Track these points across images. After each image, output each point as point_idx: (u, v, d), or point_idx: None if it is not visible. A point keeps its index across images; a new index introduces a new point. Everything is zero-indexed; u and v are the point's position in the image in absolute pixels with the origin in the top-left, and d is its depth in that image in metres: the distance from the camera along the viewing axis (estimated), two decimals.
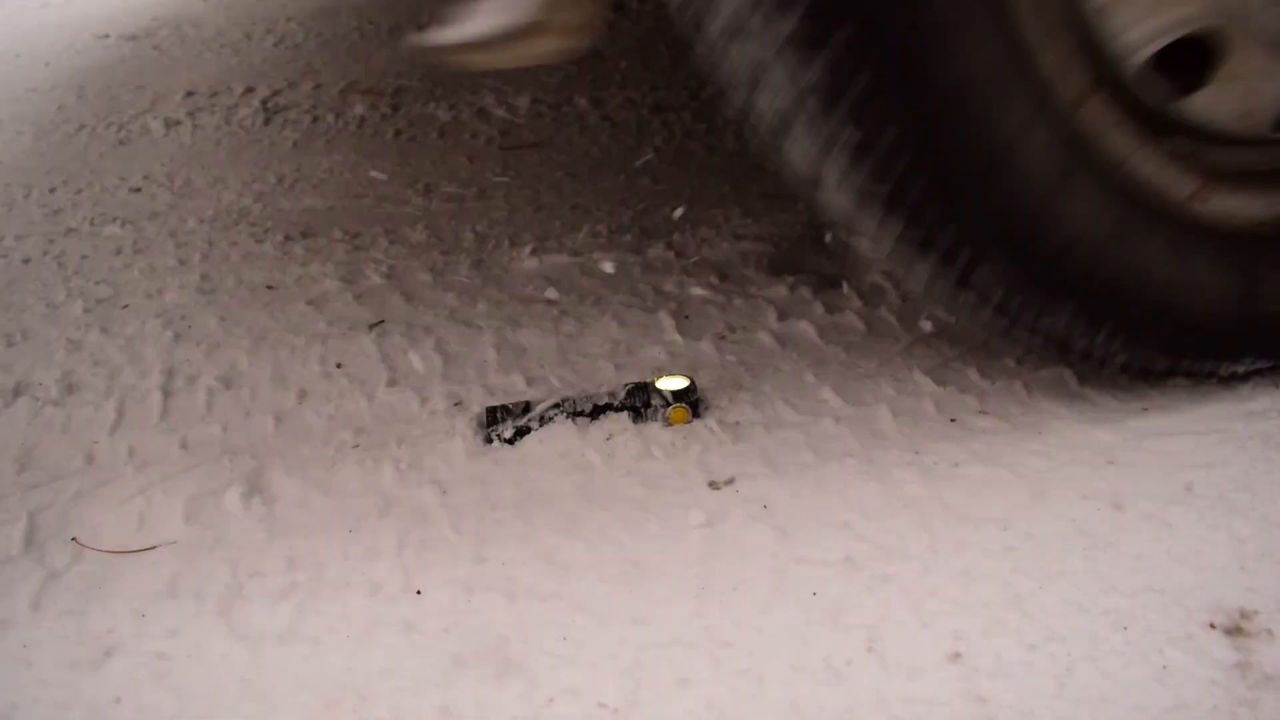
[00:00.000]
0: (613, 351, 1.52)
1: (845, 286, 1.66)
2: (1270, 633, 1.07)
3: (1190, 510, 1.21)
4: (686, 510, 1.20)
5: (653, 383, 1.36)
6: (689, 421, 1.35)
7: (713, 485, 1.25)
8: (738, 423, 1.35)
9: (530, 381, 1.47)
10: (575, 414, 1.34)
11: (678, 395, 1.34)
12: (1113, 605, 1.10)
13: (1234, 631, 1.08)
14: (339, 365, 1.52)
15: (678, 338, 1.55)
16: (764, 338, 1.54)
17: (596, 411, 1.35)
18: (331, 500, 1.26)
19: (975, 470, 1.27)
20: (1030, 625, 1.08)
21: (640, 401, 1.34)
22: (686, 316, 1.59)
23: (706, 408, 1.38)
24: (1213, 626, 1.08)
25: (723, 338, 1.54)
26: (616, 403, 1.34)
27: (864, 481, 1.24)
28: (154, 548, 1.21)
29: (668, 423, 1.34)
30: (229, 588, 1.14)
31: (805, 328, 1.56)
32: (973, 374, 1.43)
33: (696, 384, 1.36)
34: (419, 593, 1.13)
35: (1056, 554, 1.15)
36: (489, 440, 1.33)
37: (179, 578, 1.16)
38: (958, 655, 1.06)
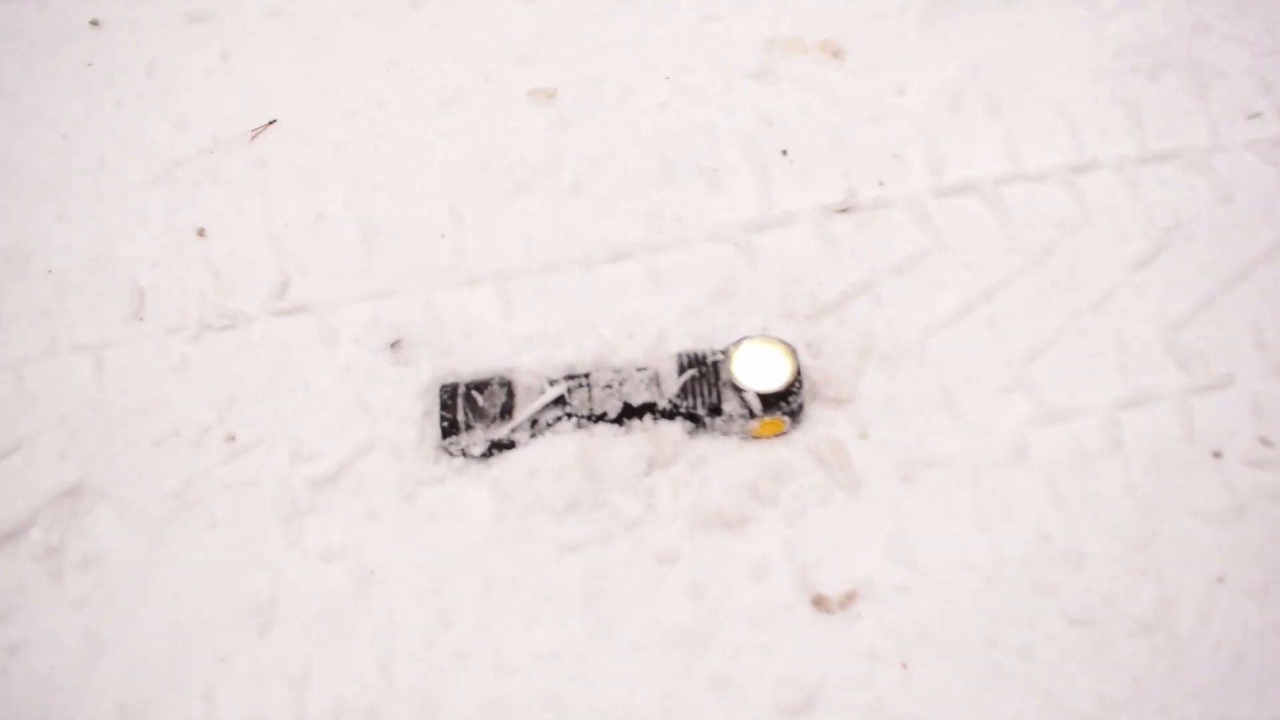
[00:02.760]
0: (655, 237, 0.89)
1: None
2: None
3: None
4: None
5: (727, 355, 0.78)
6: (784, 432, 0.80)
7: (820, 606, 0.75)
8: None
9: (517, 313, 0.87)
10: (592, 418, 0.79)
11: (770, 400, 0.77)
12: None
13: None
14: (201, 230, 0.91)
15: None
16: None
17: (630, 414, 0.79)
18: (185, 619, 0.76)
19: None
20: None
21: (704, 402, 0.78)
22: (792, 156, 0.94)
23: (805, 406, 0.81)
24: None
25: None
26: (666, 402, 0.78)
27: None
28: None
29: (749, 435, 0.79)
30: None
31: None
32: None
33: (801, 371, 0.78)
34: None
35: None
36: (449, 453, 0.80)
37: None
38: None
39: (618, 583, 0.75)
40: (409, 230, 0.91)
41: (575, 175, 0.92)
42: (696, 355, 0.77)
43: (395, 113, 0.98)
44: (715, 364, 0.77)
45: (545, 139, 0.95)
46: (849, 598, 0.75)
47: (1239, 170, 0.94)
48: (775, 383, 0.76)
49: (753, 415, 0.76)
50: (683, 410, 0.77)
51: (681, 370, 0.76)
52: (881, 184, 0.91)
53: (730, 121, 0.94)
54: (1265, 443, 0.81)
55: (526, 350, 0.83)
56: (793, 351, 0.77)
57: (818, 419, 0.80)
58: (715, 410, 0.76)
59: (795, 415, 0.77)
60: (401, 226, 0.91)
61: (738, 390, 0.76)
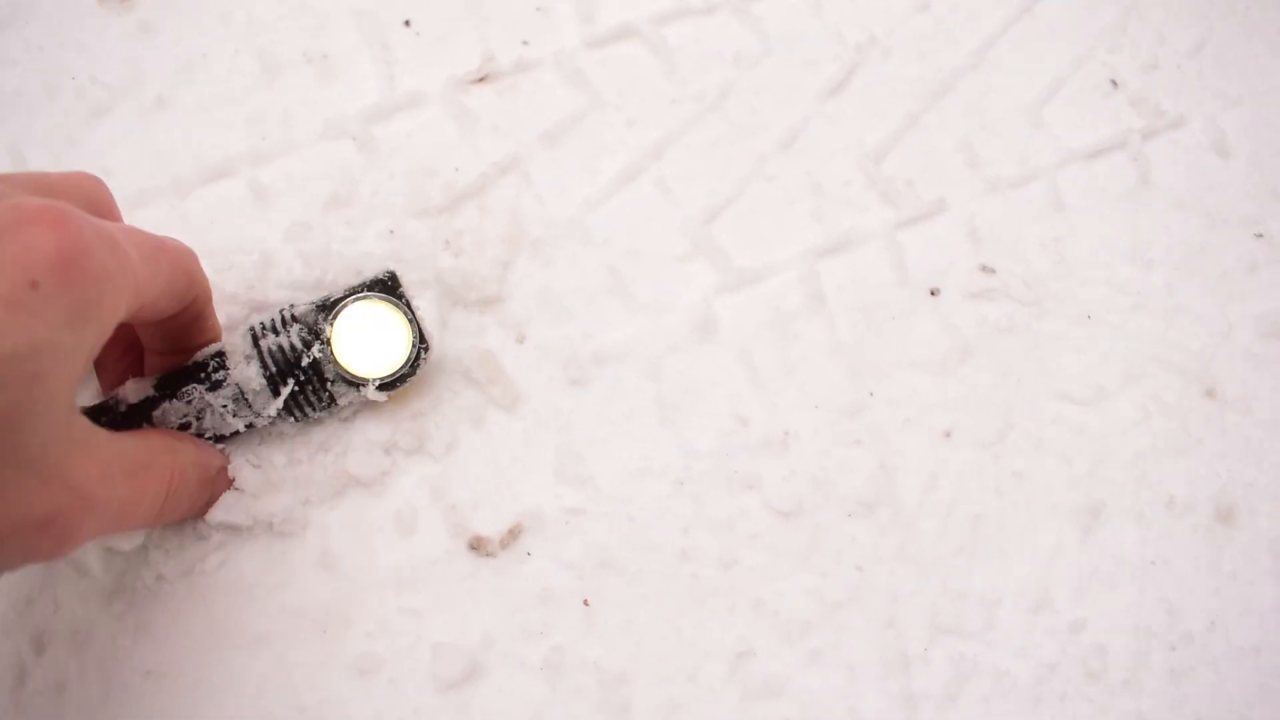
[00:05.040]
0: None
1: None
2: None
3: None
4: None
5: (327, 342, 0.58)
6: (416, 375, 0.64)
7: (479, 549, 0.62)
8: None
9: None
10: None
11: (395, 381, 0.61)
12: None
13: None
14: None
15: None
16: None
17: (223, 439, 0.59)
18: None
19: None
20: None
21: (316, 407, 0.59)
22: None
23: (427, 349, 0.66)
24: None
25: None
26: (266, 420, 0.58)
27: None
28: None
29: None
30: None
31: None
32: None
33: (419, 322, 0.60)
34: None
35: None
36: None
37: None
38: None
39: (242, 571, 0.61)
40: None
41: (160, 87, 0.76)
42: (280, 346, 0.56)
43: None
44: (315, 365, 0.57)
45: (122, 49, 0.77)
46: (513, 534, 0.62)
47: None
48: (394, 356, 0.59)
49: (352, 384, 0.59)
50: (291, 420, 0.59)
51: (269, 372, 0.56)
52: (526, 43, 0.77)
53: None
54: (986, 269, 0.71)
55: None
56: (403, 306, 0.59)
57: (462, 329, 0.67)
58: (332, 403, 0.59)
59: (418, 362, 0.60)
60: None
61: (353, 384, 0.58)
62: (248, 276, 0.66)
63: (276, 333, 0.57)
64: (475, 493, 0.62)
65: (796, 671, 0.60)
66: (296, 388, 0.57)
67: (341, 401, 0.59)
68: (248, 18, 0.78)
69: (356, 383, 0.58)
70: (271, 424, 0.59)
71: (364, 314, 0.58)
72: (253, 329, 0.57)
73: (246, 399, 0.56)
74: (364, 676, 0.59)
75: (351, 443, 0.62)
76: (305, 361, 0.57)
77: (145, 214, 0.71)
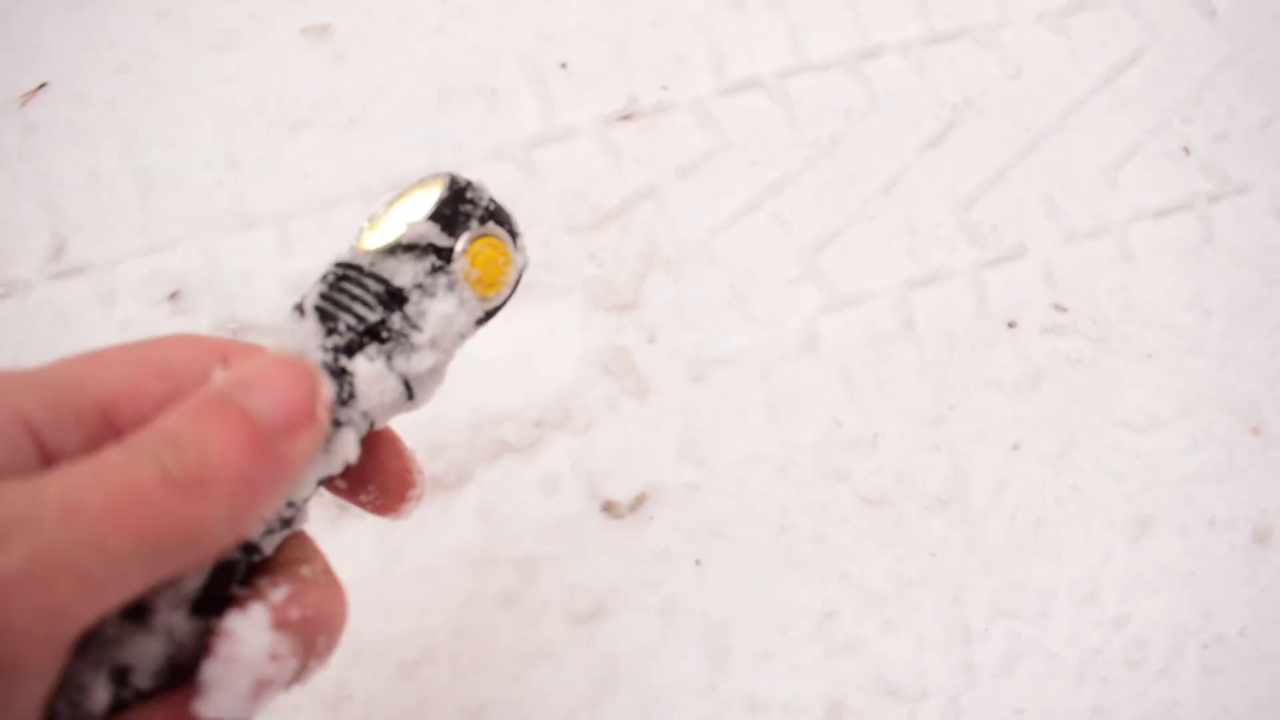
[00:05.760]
0: None
1: None
2: None
3: None
4: None
5: (358, 244, 0.36)
6: (515, 264, 0.37)
7: (610, 511, 0.73)
8: None
9: None
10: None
11: (445, 218, 0.36)
12: None
13: None
14: None
15: None
16: None
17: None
18: None
19: None
20: None
21: (375, 302, 0.34)
22: None
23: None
24: None
25: None
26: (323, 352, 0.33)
27: None
28: None
29: (477, 301, 0.36)
30: None
31: None
32: None
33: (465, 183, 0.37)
34: None
35: None
36: None
37: None
38: None
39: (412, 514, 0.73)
40: (186, 180, 0.88)
41: (353, 109, 0.89)
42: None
43: (167, 62, 0.94)
44: (349, 268, 0.35)
45: (321, 75, 0.91)
46: (639, 500, 0.73)
47: (1027, 43, 0.93)
48: (426, 203, 0.36)
49: (440, 255, 0.35)
50: (350, 341, 0.33)
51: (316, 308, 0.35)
52: (664, 88, 0.89)
53: (508, 40, 0.91)
54: (1059, 308, 0.81)
55: (300, 290, 0.80)
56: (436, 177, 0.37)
57: (602, 328, 0.78)
58: (395, 299, 0.34)
59: (500, 221, 0.37)
60: (178, 177, 0.88)
61: (396, 251, 0.35)
62: None
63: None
64: (609, 465, 0.74)
65: (873, 635, 0.70)
66: (325, 287, 0.36)
67: (399, 282, 0.34)
68: (429, 54, 0.91)
69: (399, 245, 0.35)
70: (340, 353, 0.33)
71: (396, 209, 0.37)
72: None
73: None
74: (509, 606, 0.70)
75: (507, 414, 0.74)
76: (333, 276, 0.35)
77: (338, 212, 0.85)
